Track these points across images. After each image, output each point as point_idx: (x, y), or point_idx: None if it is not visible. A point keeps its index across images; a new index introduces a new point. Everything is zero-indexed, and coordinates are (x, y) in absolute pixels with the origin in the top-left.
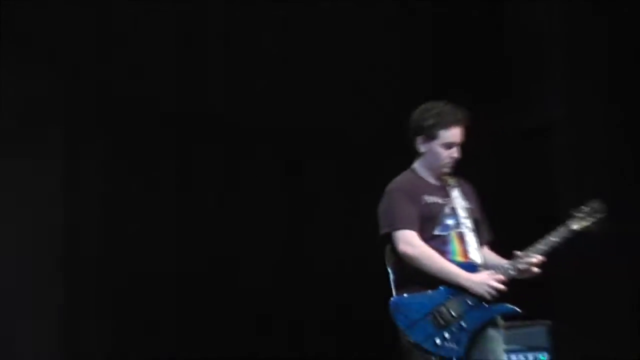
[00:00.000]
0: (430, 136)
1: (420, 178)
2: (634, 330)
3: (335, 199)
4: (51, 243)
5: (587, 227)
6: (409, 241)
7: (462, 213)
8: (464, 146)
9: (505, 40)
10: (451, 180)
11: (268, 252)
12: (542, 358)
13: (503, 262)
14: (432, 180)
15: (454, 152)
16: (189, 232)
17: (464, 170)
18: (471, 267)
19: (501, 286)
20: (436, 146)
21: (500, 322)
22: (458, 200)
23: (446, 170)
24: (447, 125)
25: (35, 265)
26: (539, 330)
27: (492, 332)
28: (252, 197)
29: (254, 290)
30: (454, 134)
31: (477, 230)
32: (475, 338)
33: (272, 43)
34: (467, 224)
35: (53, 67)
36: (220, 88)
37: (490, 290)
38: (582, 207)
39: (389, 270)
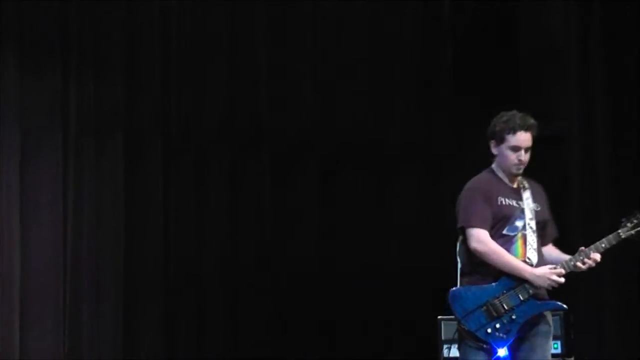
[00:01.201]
0: (500, 140)
1: (498, 178)
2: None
3: (366, 204)
4: (114, 244)
5: (632, 236)
6: (481, 239)
7: (529, 214)
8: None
9: (519, 47)
10: (524, 182)
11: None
12: (554, 346)
13: (565, 257)
14: (507, 181)
15: (521, 155)
16: (239, 233)
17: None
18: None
19: (561, 279)
20: (504, 149)
21: (549, 319)
22: (528, 202)
23: (514, 171)
24: (513, 130)
25: (97, 266)
26: (552, 319)
27: (542, 328)
28: (294, 201)
29: (294, 290)
30: (519, 138)
31: (544, 230)
32: (525, 330)
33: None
34: (531, 225)
35: (115, 78)
36: (265, 99)
37: (551, 282)
38: (632, 216)
39: (458, 258)
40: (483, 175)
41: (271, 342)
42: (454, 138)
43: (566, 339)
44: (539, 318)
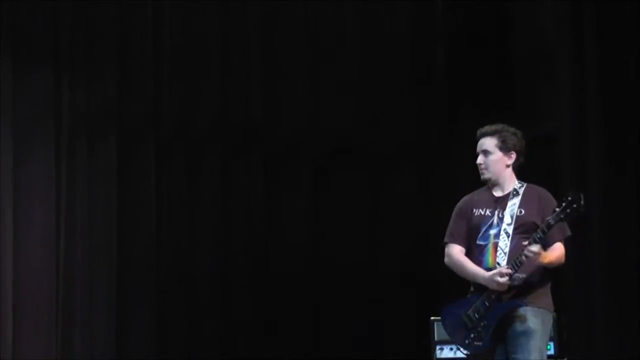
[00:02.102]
0: None
1: (486, 190)
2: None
3: (359, 202)
4: (106, 244)
5: (561, 219)
6: (447, 253)
7: (507, 220)
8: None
9: (512, 47)
10: (519, 189)
11: (300, 251)
12: (547, 348)
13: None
14: (496, 191)
15: (478, 159)
16: (231, 233)
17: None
18: (487, 270)
19: (503, 279)
20: None
21: (527, 318)
22: (512, 208)
23: (482, 178)
24: (476, 139)
25: (90, 266)
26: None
27: (520, 327)
28: (287, 200)
29: (286, 290)
30: (479, 143)
31: (527, 233)
32: (503, 334)
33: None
34: (507, 231)
35: (108, 77)
36: (258, 99)
37: (497, 283)
38: (563, 201)
39: None
40: (477, 190)
41: (263, 342)
42: (447, 138)
43: (559, 340)
44: (514, 319)
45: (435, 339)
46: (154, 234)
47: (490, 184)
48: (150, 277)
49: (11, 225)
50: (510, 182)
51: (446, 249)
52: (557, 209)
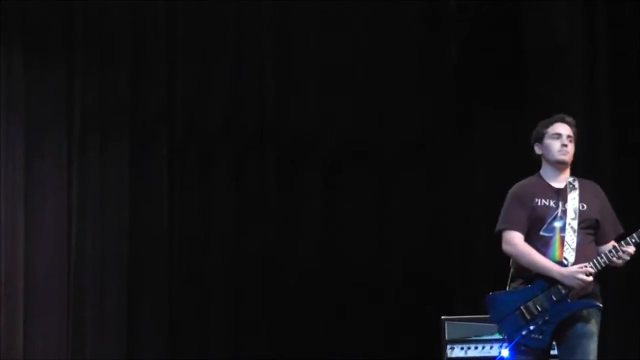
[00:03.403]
0: (541, 137)
1: (542, 180)
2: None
3: (371, 201)
4: (118, 242)
5: None
6: (509, 241)
7: (571, 215)
8: None
9: (523, 47)
10: (574, 183)
11: (312, 249)
12: None
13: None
14: (552, 182)
15: (564, 140)
16: (243, 231)
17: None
18: (560, 265)
19: (589, 278)
20: (547, 141)
21: (589, 318)
22: (574, 202)
23: (560, 157)
24: (550, 123)
25: (101, 264)
26: None
27: (580, 327)
28: (298, 199)
29: (297, 289)
30: (558, 126)
31: (596, 229)
32: (564, 332)
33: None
34: (572, 226)
35: (120, 75)
36: (270, 98)
37: (579, 281)
38: None
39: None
40: (527, 179)
41: (274, 340)
42: (458, 138)
43: None
44: (577, 319)
45: (446, 338)
46: (165, 232)
47: (561, 169)
48: (161, 276)
49: (23, 224)
50: (566, 174)
51: (505, 236)
52: None
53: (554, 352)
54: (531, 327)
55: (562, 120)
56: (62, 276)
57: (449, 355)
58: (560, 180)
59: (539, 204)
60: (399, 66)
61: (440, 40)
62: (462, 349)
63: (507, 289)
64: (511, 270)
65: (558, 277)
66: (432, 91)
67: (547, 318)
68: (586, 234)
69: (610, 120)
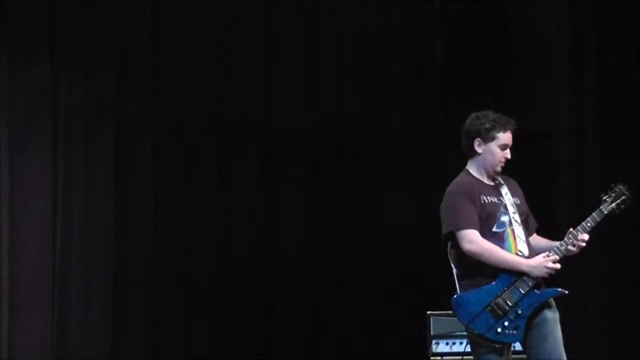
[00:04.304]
0: (490, 138)
1: (476, 179)
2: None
3: (354, 200)
4: (103, 240)
5: (613, 210)
6: (472, 239)
7: (511, 209)
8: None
9: (508, 44)
10: (499, 179)
11: (297, 248)
12: None
13: (555, 243)
14: (485, 180)
15: (507, 153)
16: (228, 229)
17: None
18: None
19: (557, 265)
20: (493, 147)
21: (553, 304)
22: (508, 196)
23: (498, 169)
24: (504, 128)
25: (86, 263)
26: None
27: (548, 314)
28: (283, 196)
29: (281, 287)
30: (508, 136)
31: (526, 222)
32: (532, 322)
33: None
34: (516, 219)
35: (105, 72)
36: (254, 92)
37: (548, 270)
38: (610, 191)
39: (452, 265)
40: (461, 177)
41: (258, 339)
42: (443, 135)
43: None
44: (543, 305)
45: (431, 333)
46: (150, 231)
47: (489, 175)
48: (147, 273)
49: (7, 223)
50: None
51: (464, 235)
52: (607, 199)
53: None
54: (505, 323)
55: (512, 127)
56: (46, 275)
57: (434, 351)
58: (489, 178)
59: (487, 201)
60: (384, 64)
61: (425, 39)
62: (447, 344)
63: (458, 288)
64: (457, 269)
65: (526, 269)
66: (416, 90)
67: (519, 312)
68: (525, 227)
69: (595, 118)
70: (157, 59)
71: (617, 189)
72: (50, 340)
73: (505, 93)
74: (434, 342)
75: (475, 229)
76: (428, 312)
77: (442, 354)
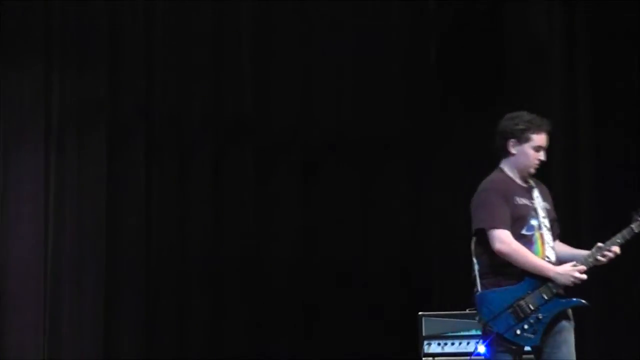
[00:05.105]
0: (524, 139)
1: (510, 179)
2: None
3: (350, 199)
4: (95, 239)
5: None
6: (504, 240)
7: (542, 213)
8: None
9: (503, 46)
10: (531, 181)
11: (291, 246)
12: None
13: (582, 252)
14: (518, 181)
15: (542, 155)
16: (221, 228)
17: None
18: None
19: (583, 276)
20: (527, 148)
21: (570, 314)
22: (539, 200)
23: (532, 171)
24: (539, 129)
25: (78, 261)
26: None
27: (565, 323)
28: (277, 195)
29: (276, 286)
30: (543, 138)
31: (552, 227)
32: (550, 328)
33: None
34: (545, 224)
35: (99, 70)
36: (249, 91)
37: (575, 279)
38: None
39: (474, 260)
40: (496, 175)
41: (253, 341)
42: (438, 134)
43: None
44: (561, 315)
45: (424, 334)
46: (143, 230)
47: (523, 176)
48: (139, 273)
49: None
50: None
51: (496, 235)
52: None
53: (528, 348)
54: (525, 326)
55: (548, 129)
56: (39, 275)
57: (425, 351)
58: (521, 179)
59: (519, 202)
60: (379, 63)
61: (420, 39)
62: (439, 344)
63: (479, 286)
64: (481, 265)
65: (553, 276)
66: (411, 88)
67: (539, 317)
68: (552, 233)
69: (589, 119)
70: (151, 58)
71: None
72: (42, 341)
73: (501, 93)
74: (425, 342)
75: (507, 229)
76: (420, 313)
77: (434, 355)
